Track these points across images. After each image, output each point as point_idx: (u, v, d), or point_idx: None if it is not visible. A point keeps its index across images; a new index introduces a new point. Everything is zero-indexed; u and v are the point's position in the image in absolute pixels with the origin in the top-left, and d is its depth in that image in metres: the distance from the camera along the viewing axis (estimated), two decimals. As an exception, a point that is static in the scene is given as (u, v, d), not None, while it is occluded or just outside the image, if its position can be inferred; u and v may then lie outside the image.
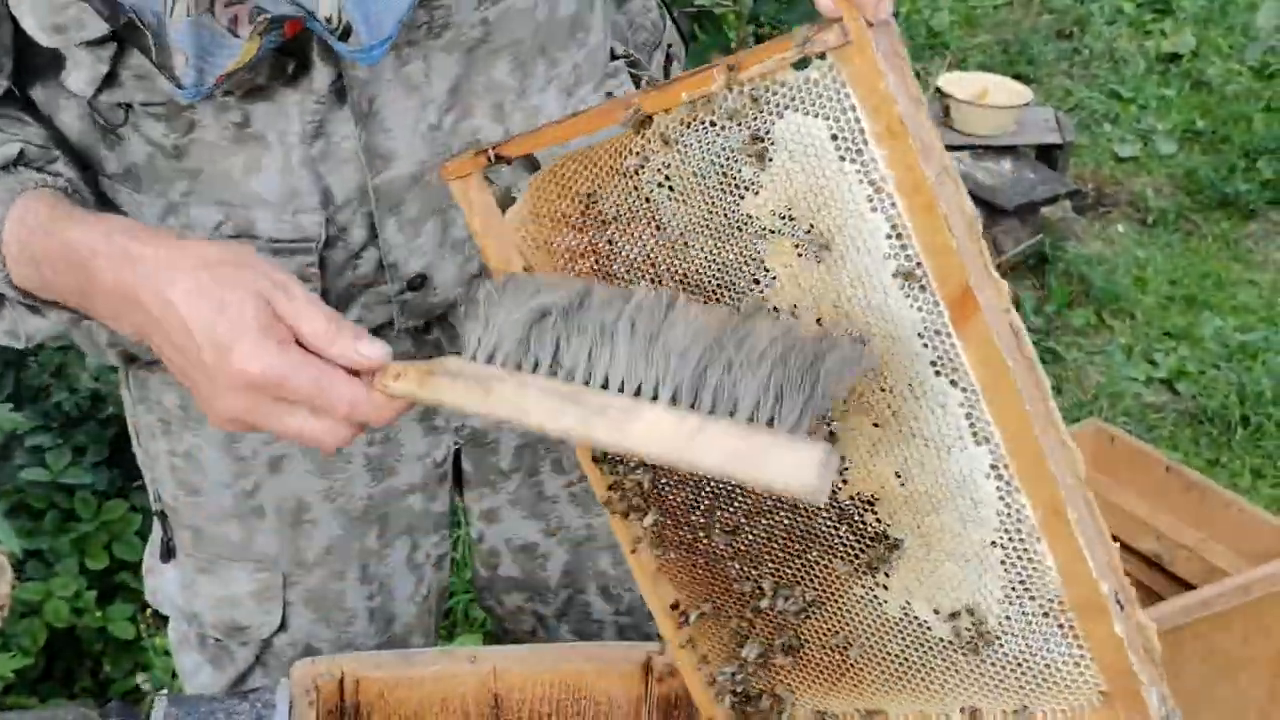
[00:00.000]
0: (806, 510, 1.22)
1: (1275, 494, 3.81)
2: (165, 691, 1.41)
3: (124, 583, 3.09)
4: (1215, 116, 5.69)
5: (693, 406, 1.08)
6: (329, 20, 1.23)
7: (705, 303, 1.16)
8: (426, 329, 1.58)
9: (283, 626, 1.71)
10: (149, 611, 3.10)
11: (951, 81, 4.91)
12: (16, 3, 1.29)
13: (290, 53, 1.35)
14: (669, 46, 1.75)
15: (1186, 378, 4.26)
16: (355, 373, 1.18)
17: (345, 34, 1.25)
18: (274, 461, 1.63)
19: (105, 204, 1.45)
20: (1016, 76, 5.38)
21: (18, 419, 2.99)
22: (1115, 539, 2.63)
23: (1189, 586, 2.60)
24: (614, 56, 1.64)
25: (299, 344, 1.18)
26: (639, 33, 1.71)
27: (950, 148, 4.39)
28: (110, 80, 1.34)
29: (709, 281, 1.17)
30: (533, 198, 1.25)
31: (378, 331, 1.54)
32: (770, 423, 1.05)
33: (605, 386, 1.12)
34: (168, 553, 1.73)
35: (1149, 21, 6.33)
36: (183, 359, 1.20)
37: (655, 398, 1.09)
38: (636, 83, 1.64)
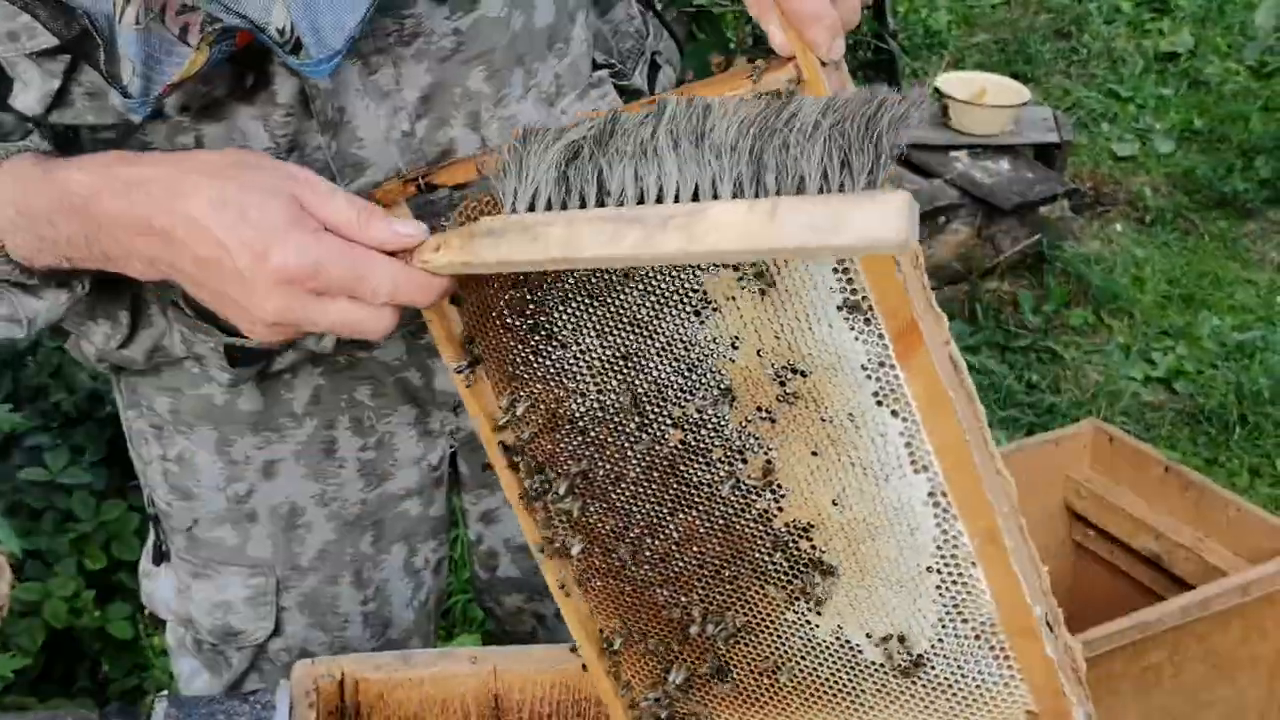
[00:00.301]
0: (740, 537, 1.23)
1: (1273, 493, 3.81)
2: (165, 693, 1.40)
3: (122, 583, 3.09)
4: (1213, 116, 5.69)
5: (757, 196, 1.01)
6: (281, 32, 1.20)
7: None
8: (416, 334, 1.58)
9: (277, 631, 1.71)
10: (147, 612, 3.10)
11: (950, 81, 4.91)
12: None
13: (248, 65, 1.33)
14: (654, 54, 1.74)
15: (1184, 377, 4.27)
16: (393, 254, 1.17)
17: (296, 47, 1.22)
18: (267, 466, 1.63)
19: None
20: (1014, 76, 5.39)
21: (16, 419, 2.99)
22: (1114, 538, 2.63)
23: (1188, 586, 2.59)
24: (596, 67, 1.63)
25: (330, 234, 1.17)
26: (623, 40, 1.70)
27: (948, 147, 4.39)
28: (61, 98, 1.30)
29: (646, 313, 1.17)
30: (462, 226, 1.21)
31: (366, 342, 1.55)
32: (841, 188, 0.98)
33: (659, 201, 1.05)
34: (160, 556, 1.72)
35: (1147, 21, 6.35)
36: (212, 274, 1.18)
37: (716, 195, 1.02)
38: (621, 92, 1.63)
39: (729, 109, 1.04)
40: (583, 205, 1.08)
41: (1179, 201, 5.18)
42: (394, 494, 1.70)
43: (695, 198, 1.03)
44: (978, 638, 1.15)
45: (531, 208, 1.10)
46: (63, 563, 3.04)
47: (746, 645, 1.28)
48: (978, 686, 1.17)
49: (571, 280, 1.20)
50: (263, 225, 1.15)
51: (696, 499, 1.24)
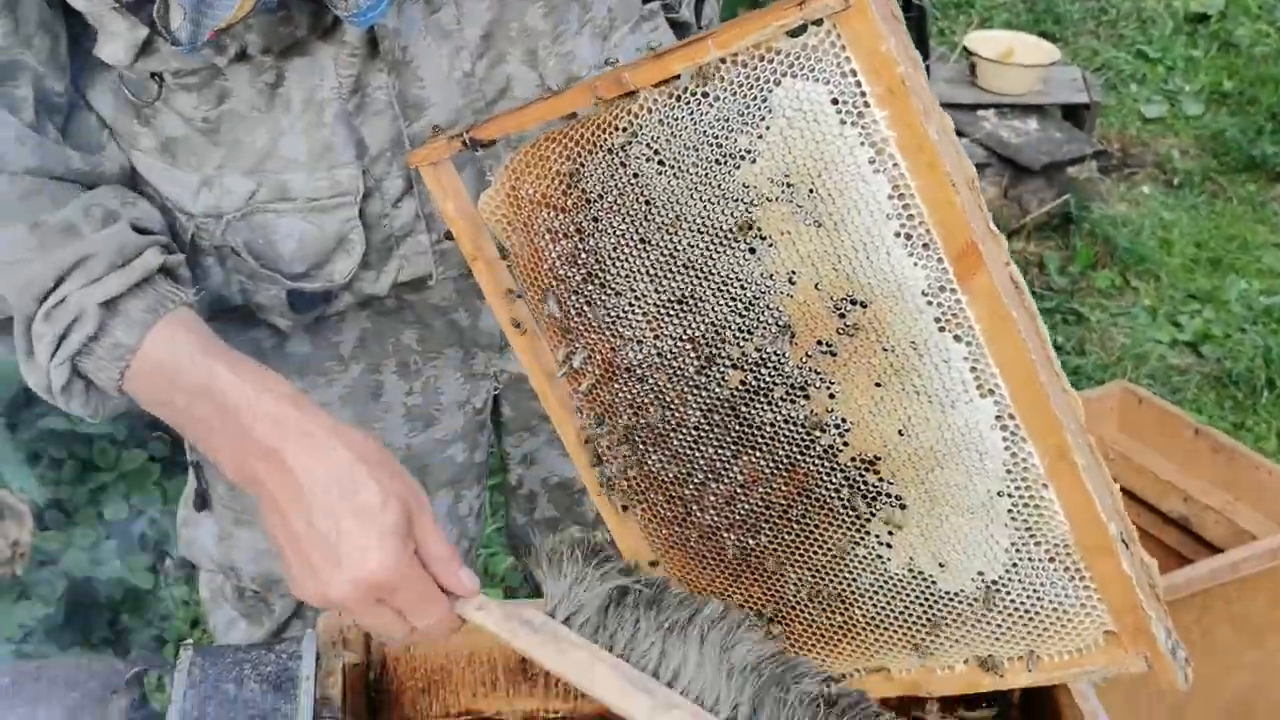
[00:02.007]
0: (805, 475, 1.22)
1: (1300, 458, 3.78)
2: (190, 642, 1.39)
3: (143, 533, 3.08)
4: (1243, 78, 5.64)
5: None
6: None
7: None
8: (465, 275, 1.56)
9: None
10: (168, 562, 3.10)
11: (978, 40, 4.86)
12: None
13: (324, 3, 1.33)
14: None
15: (1211, 340, 4.23)
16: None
17: None
18: None
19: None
20: (1042, 35, 5.33)
21: (37, 368, 2.97)
22: (1142, 501, 2.61)
23: (1216, 550, 2.58)
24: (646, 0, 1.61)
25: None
26: None
27: (976, 106, 4.35)
28: (147, 47, 1.32)
29: (701, 254, 1.16)
30: (510, 179, 1.24)
31: (418, 284, 1.54)
32: None
33: (670, 684, 1.23)
34: (202, 503, 1.71)
35: (1177, -20, 6.28)
36: (310, 534, 1.23)
37: (713, 710, 1.22)
38: (671, 25, 1.61)
39: (755, 638, 1.26)
40: (610, 647, 1.25)
41: (1207, 164, 5.13)
42: (439, 440, 1.70)
43: (699, 700, 1.22)
44: (1052, 560, 1.15)
45: (568, 621, 1.26)
46: (83, 512, 3.04)
47: (818, 584, 1.28)
48: (1055, 609, 1.17)
49: (624, 225, 1.18)
50: (378, 530, 1.22)
51: (759, 439, 1.23)
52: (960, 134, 4.55)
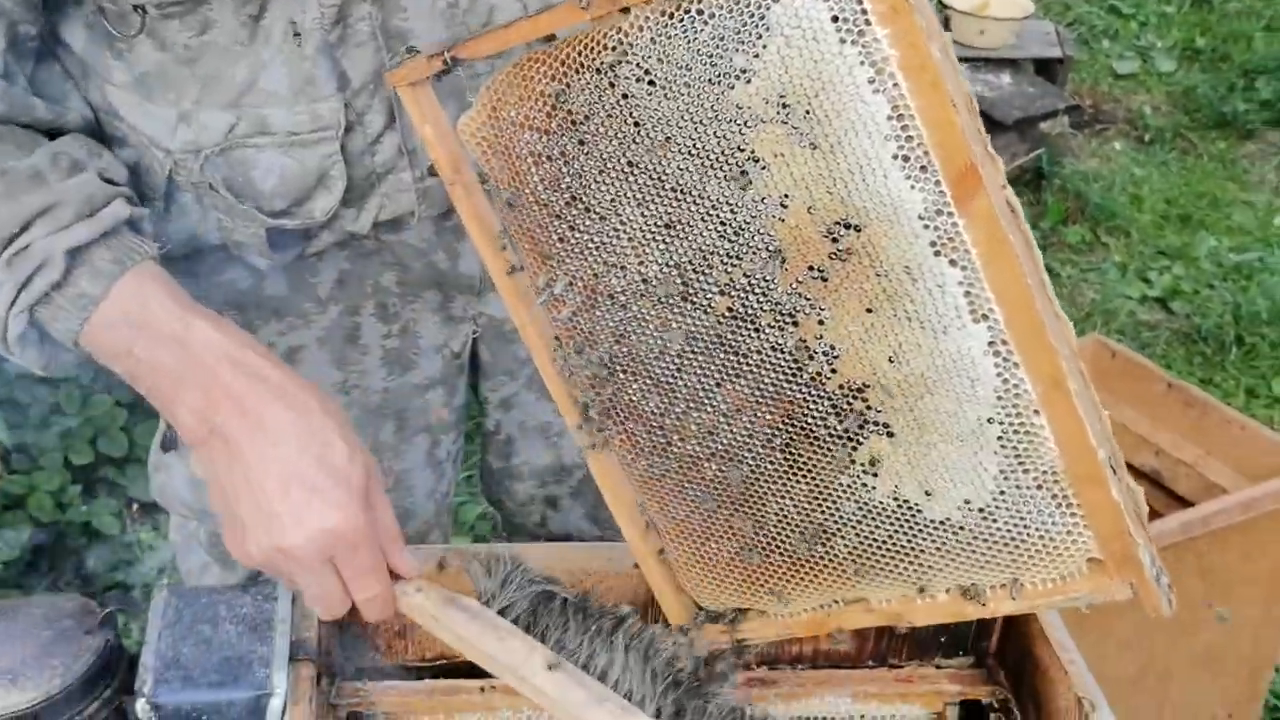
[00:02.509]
0: (791, 402, 1.20)
1: (1269, 414, 3.80)
2: (166, 582, 1.38)
3: (108, 477, 3.07)
4: (1215, 34, 5.64)
5: None
6: None
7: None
8: (445, 216, 1.54)
9: None
10: (134, 506, 3.08)
11: (952, -8, 4.84)
12: None
13: None
14: None
15: (1181, 296, 4.24)
16: None
17: None
18: (290, 353, 1.60)
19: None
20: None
21: (2, 310, 2.95)
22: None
23: (1187, 504, 2.59)
24: None
25: None
26: None
27: (956, 56, 4.20)
28: None
29: (691, 177, 1.13)
30: (491, 100, 1.20)
31: (398, 222, 1.52)
32: None
33: (601, 680, 1.29)
34: (169, 443, 1.69)
35: (1151, -64, 6.27)
36: (265, 478, 1.22)
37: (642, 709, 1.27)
38: None
39: (677, 650, 1.32)
40: (543, 640, 1.29)
41: (1179, 121, 5.14)
42: (417, 384, 1.68)
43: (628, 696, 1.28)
44: (1040, 487, 1.13)
45: (503, 613, 1.30)
46: (48, 456, 3.02)
47: (800, 513, 1.26)
48: (1040, 536, 1.16)
49: (611, 148, 1.16)
50: (344, 481, 1.23)
51: (745, 367, 1.21)
52: (934, 87, 4.55)
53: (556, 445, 1.82)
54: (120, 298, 1.26)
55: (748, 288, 1.16)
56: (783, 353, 1.18)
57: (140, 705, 1.25)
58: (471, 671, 1.35)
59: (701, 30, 1.06)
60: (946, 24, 4.71)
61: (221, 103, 1.39)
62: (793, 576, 1.31)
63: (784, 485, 1.25)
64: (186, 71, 1.38)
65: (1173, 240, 4.49)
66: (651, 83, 1.10)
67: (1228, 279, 4.30)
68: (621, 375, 1.27)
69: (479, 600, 1.32)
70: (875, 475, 1.20)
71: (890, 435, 1.18)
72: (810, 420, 1.21)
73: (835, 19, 1.01)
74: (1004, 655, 1.48)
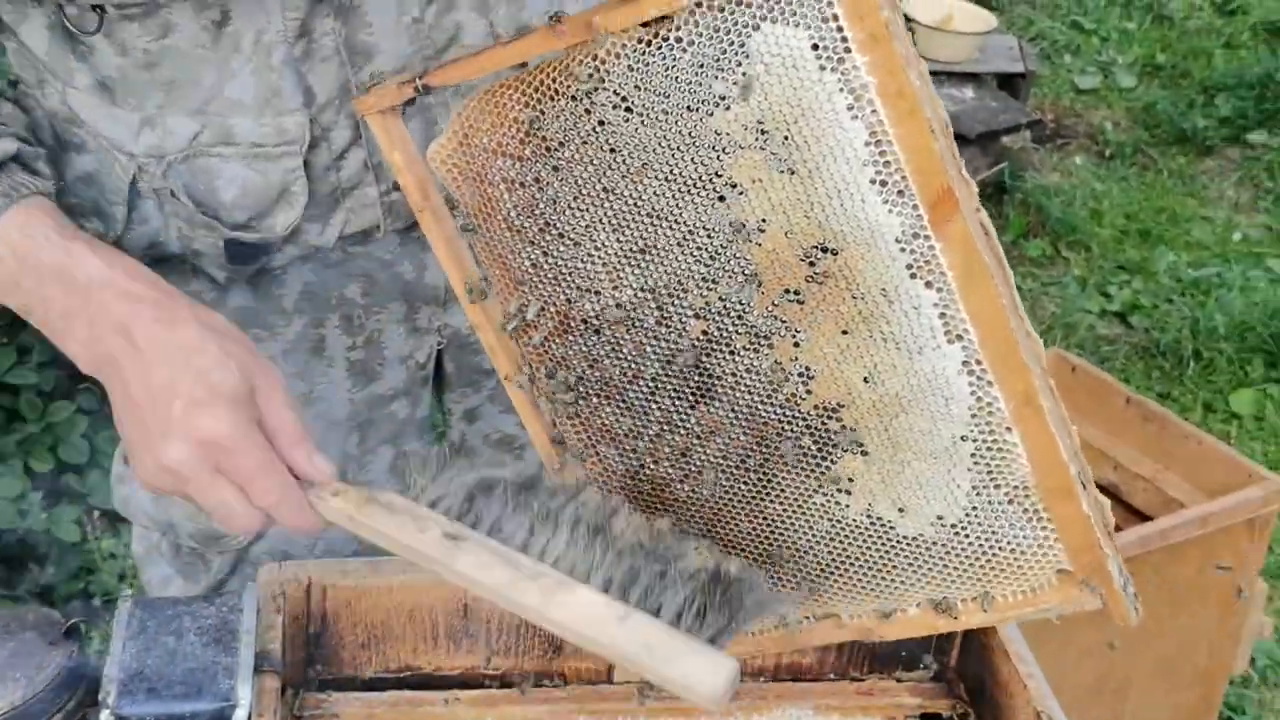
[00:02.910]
0: (765, 423, 1.21)
1: (1226, 428, 3.83)
2: (130, 593, 1.37)
3: (69, 485, 3.05)
4: (1175, 51, 5.69)
5: (621, 600, 1.16)
6: None
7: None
8: (411, 228, 1.55)
9: (260, 534, 1.68)
10: (95, 515, 3.07)
11: (916, 6, 4.86)
12: None
13: None
14: None
15: (1140, 311, 4.28)
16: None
17: None
18: None
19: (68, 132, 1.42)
20: (979, 3, 5.35)
21: (-38, 317, 2.94)
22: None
23: (1146, 518, 2.61)
24: None
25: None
26: None
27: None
28: None
29: (667, 203, 1.14)
30: (463, 127, 1.21)
31: (364, 235, 1.52)
32: (688, 632, 1.14)
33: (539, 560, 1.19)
34: (131, 455, 1.69)
35: (1113, -48, 6.32)
36: (147, 397, 1.21)
37: (587, 580, 1.17)
38: None
39: (634, 520, 1.22)
40: (475, 527, 1.20)
41: (1139, 136, 5.18)
42: (382, 395, 1.68)
43: (570, 574, 1.18)
44: (1011, 501, 1.15)
45: (433, 505, 1.21)
46: (8, 464, 2.99)
47: (774, 533, 1.27)
48: (1011, 550, 1.18)
49: (586, 174, 1.16)
50: (215, 389, 1.20)
51: (720, 390, 1.22)
52: (897, 100, 4.57)
53: (521, 457, 1.82)
54: (5, 231, 1.27)
55: (723, 311, 1.17)
56: (758, 375, 1.19)
57: (104, 717, 1.25)
58: (437, 684, 1.35)
59: (680, 58, 1.07)
60: (911, 36, 4.74)
61: (187, 108, 1.39)
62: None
63: (758, 505, 1.26)
64: (148, 76, 1.37)
65: (1132, 255, 4.52)
66: (629, 109, 1.11)
67: (1186, 294, 4.34)
68: (595, 399, 1.28)
69: (409, 494, 1.24)
70: (849, 494, 1.22)
71: (864, 454, 1.19)
72: (783, 440, 1.22)
73: (815, 46, 1.02)
74: (964, 669, 1.50)
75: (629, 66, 1.09)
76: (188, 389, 1.19)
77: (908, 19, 4.72)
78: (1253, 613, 2.65)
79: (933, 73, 4.73)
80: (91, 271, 1.25)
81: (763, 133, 1.07)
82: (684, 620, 1.15)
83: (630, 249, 1.18)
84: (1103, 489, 2.70)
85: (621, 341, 1.23)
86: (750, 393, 1.20)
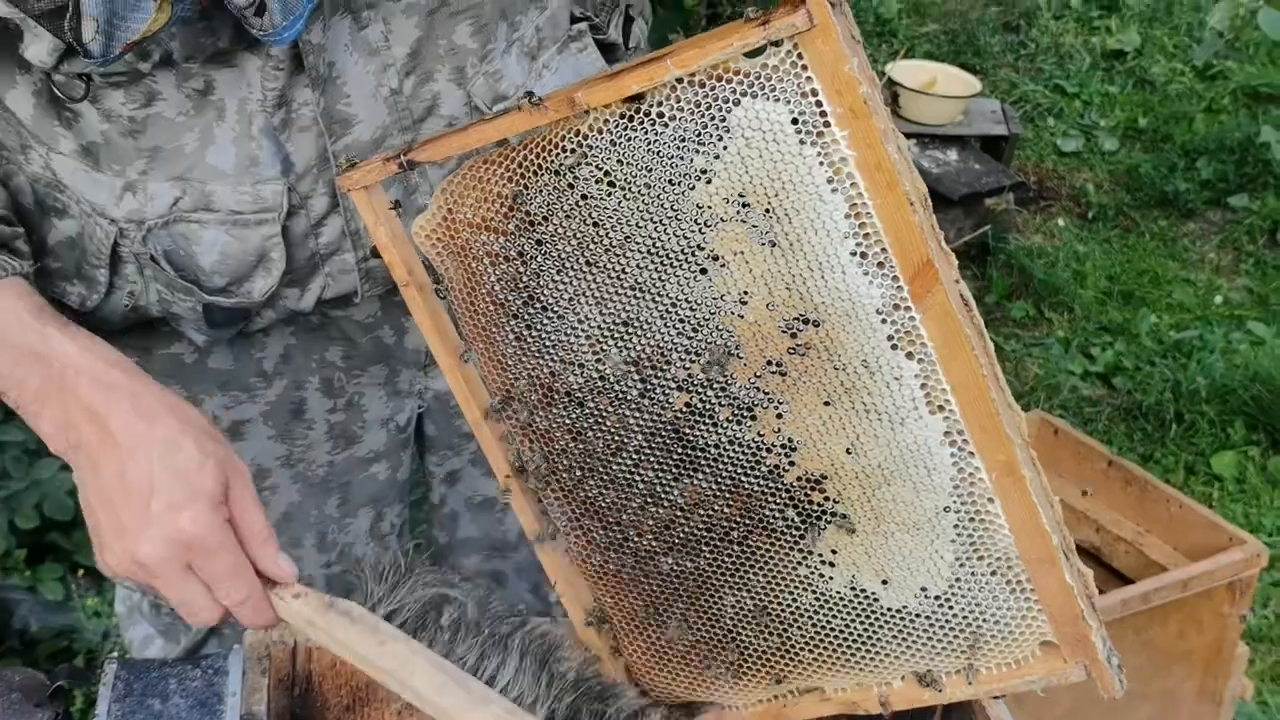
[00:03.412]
0: (749, 495, 1.22)
1: (1207, 490, 3.84)
2: (116, 655, 1.38)
3: (54, 543, 3.04)
4: (1157, 115, 5.74)
5: None
6: None
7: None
8: (391, 292, 1.56)
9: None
10: (80, 573, 3.06)
11: (901, 70, 4.91)
12: None
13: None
14: (628, 7, 1.73)
15: (1122, 373, 4.30)
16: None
17: (260, 10, 1.22)
18: (234, 426, 1.60)
19: (46, 213, 1.43)
20: (963, 67, 5.40)
21: (-50, 374, 2.93)
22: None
23: (1127, 580, 2.62)
24: (574, 20, 1.62)
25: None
26: None
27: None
28: (71, 49, 1.29)
29: (649, 276, 1.15)
30: (446, 202, 1.22)
31: (343, 301, 1.53)
32: None
33: (489, 684, 1.24)
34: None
35: (1095, 18, 6.38)
36: (122, 495, 1.22)
37: (532, 712, 1.24)
38: (598, 46, 1.62)
39: (578, 657, 1.30)
40: (431, 644, 1.25)
41: (1121, 199, 5.22)
42: (362, 458, 1.69)
43: (517, 701, 1.24)
44: (995, 573, 1.16)
45: (389, 618, 1.26)
46: (-7, 521, 2.99)
47: (757, 606, 1.28)
48: (995, 622, 1.19)
49: (569, 248, 1.18)
50: (195, 489, 1.21)
51: (703, 462, 1.22)
52: (882, 163, 4.60)
53: (501, 520, 1.83)
54: None
55: (706, 383, 1.18)
56: (741, 446, 1.20)
57: (90, 780, 1.25)
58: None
59: (662, 133, 1.08)
60: (895, 100, 4.79)
61: (168, 174, 1.40)
62: (748, 668, 1.32)
63: (741, 577, 1.27)
64: (132, 143, 1.39)
65: (1115, 317, 4.55)
66: (611, 184, 1.12)
67: (1168, 356, 4.36)
68: (578, 471, 1.29)
69: (366, 603, 1.28)
70: (833, 565, 1.22)
71: (848, 526, 1.20)
72: (768, 513, 1.22)
73: (795, 121, 1.05)
74: (946, 734, 1.50)
75: (611, 141, 1.11)
76: (167, 487, 1.20)
77: (892, 83, 4.77)
78: (1234, 675, 2.66)
79: (917, 135, 4.78)
80: (66, 357, 1.26)
81: (744, 205, 1.08)
82: None
83: (613, 321, 1.19)
84: (1085, 551, 2.73)
85: (605, 414, 1.24)
86: (733, 464, 1.21)
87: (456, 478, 1.82)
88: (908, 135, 4.75)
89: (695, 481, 1.24)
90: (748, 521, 1.24)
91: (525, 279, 1.21)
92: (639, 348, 1.19)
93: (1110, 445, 3.86)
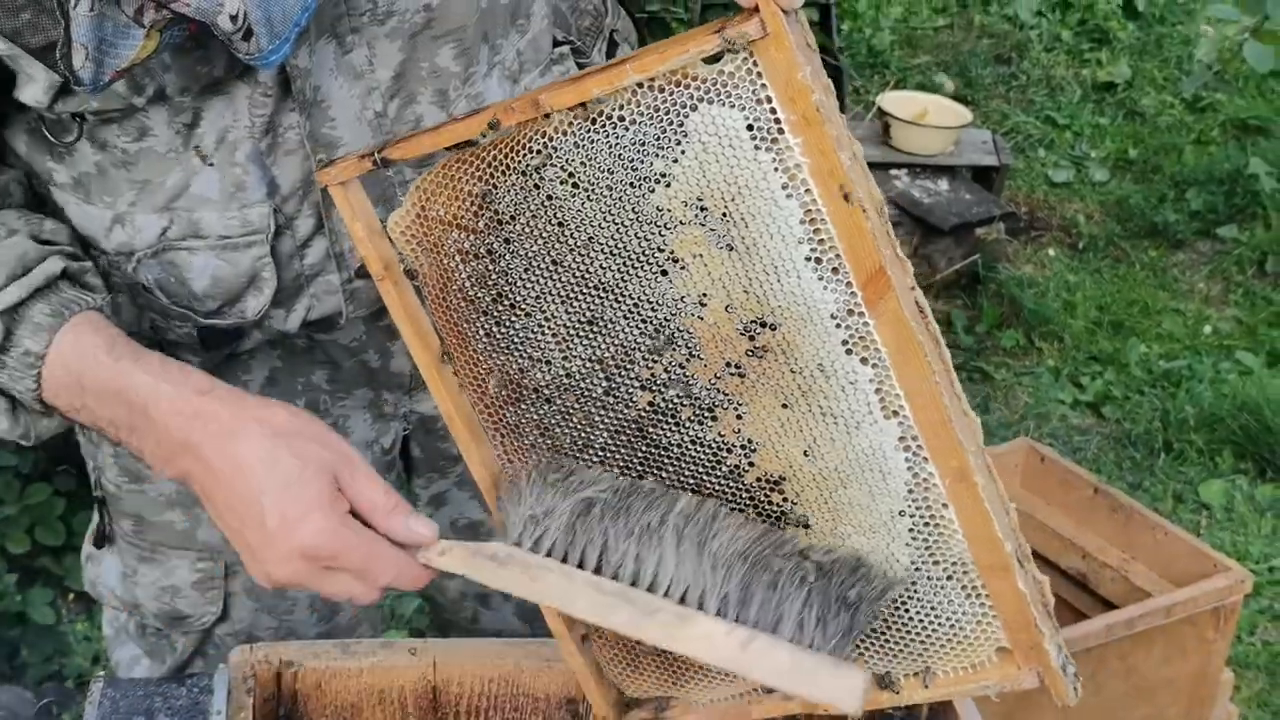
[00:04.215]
0: (710, 495, 1.24)
1: (1195, 519, 3.86)
2: (103, 675, 1.39)
3: (45, 567, 3.05)
4: (1147, 146, 5.77)
5: (738, 619, 1.18)
6: (234, 19, 1.20)
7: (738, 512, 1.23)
8: (376, 316, 1.58)
9: (224, 616, 1.70)
10: (70, 596, 3.07)
11: (892, 100, 4.94)
12: None
13: None
14: (613, 32, 1.76)
15: (1112, 402, 4.32)
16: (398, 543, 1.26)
17: (247, 34, 1.23)
18: None
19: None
20: (954, 98, 5.43)
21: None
22: (1042, 557, 2.65)
23: (1112, 606, 2.63)
24: (556, 44, 1.64)
25: (354, 513, 1.24)
26: (582, 18, 1.72)
27: (889, 166, 4.43)
28: (65, 88, 1.32)
29: (613, 276, 1.18)
30: (420, 200, 1.25)
31: (328, 322, 1.54)
32: (811, 644, 1.17)
33: (651, 588, 1.20)
34: (103, 539, 1.71)
35: (1086, 51, 6.41)
36: (239, 516, 1.24)
37: (701, 606, 1.18)
38: (581, 70, 1.64)
39: (733, 525, 1.20)
40: (582, 564, 1.22)
41: (1111, 229, 5.24)
42: None
43: (683, 599, 1.19)
44: (950, 578, 1.18)
45: (536, 547, 1.23)
46: (-16, 545, 3.00)
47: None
48: (951, 626, 1.20)
49: (536, 247, 1.20)
50: (301, 499, 1.22)
51: (666, 460, 1.24)
52: (873, 192, 4.63)
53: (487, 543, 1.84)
54: (61, 353, 1.29)
55: (668, 383, 1.20)
56: (702, 446, 1.22)
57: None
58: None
59: (623, 136, 1.11)
60: (886, 130, 4.82)
61: (154, 206, 1.42)
62: (709, 669, 1.33)
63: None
64: (123, 174, 1.40)
65: (1104, 346, 4.57)
66: (575, 185, 1.15)
67: (1157, 385, 4.38)
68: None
69: (509, 538, 1.26)
70: None
71: (806, 526, 1.21)
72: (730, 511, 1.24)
73: (750, 127, 1.07)
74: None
75: (575, 143, 1.13)
76: (277, 504, 1.21)
77: (884, 113, 4.80)
78: (1219, 702, 2.67)
79: (909, 165, 4.80)
80: (143, 390, 1.27)
81: (702, 209, 1.11)
82: (806, 632, 1.17)
83: (578, 320, 1.22)
84: (1071, 577, 2.75)
85: (572, 410, 1.26)
86: (695, 464, 1.23)
87: (443, 500, 1.83)
88: (899, 165, 4.78)
89: (658, 479, 1.25)
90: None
91: (494, 276, 1.24)
92: (604, 346, 1.22)
93: (1100, 474, 3.88)
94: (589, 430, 1.26)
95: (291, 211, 1.45)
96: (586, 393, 1.25)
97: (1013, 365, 4.48)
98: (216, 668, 1.40)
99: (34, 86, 1.32)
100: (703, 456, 1.22)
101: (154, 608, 1.70)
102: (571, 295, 1.21)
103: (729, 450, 1.21)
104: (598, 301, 1.20)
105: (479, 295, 1.25)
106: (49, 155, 1.42)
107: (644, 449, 1.25)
